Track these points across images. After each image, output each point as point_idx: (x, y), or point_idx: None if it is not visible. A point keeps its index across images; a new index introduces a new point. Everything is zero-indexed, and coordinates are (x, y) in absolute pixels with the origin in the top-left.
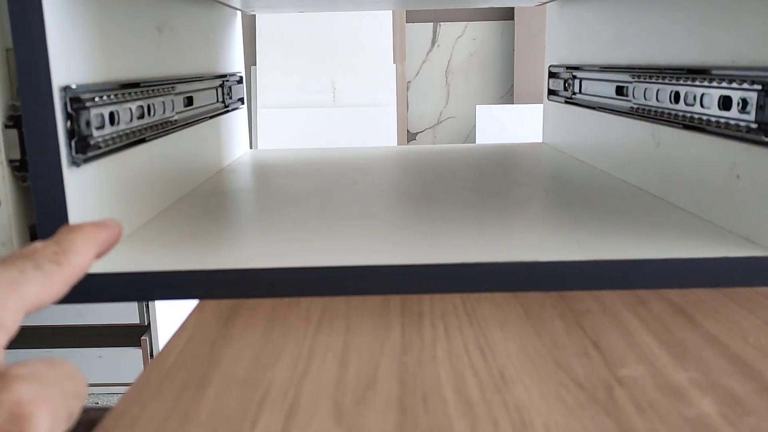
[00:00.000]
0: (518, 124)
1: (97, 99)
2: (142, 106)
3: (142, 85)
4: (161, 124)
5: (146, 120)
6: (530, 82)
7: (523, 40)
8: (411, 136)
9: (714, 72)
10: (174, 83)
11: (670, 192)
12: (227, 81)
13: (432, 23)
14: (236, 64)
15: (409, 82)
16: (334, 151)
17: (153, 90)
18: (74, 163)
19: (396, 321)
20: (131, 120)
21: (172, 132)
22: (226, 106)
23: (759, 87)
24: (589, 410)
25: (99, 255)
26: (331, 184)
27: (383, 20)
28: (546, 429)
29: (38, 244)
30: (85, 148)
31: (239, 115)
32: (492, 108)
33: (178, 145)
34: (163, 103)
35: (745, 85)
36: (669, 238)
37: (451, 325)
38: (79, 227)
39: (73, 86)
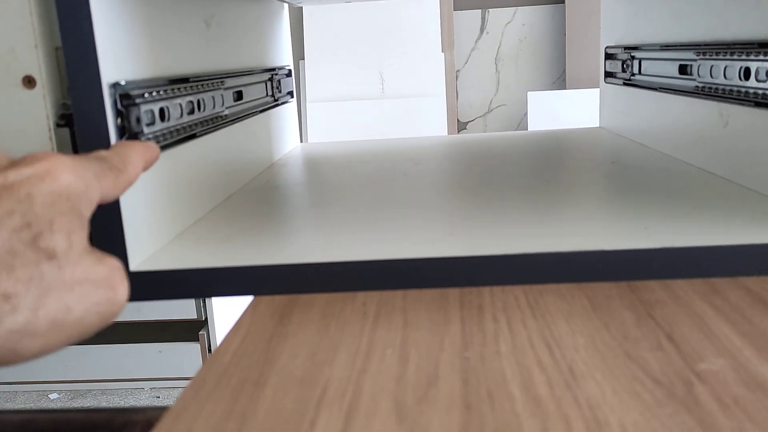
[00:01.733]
0: (571, 110)
1: (146, 95)
2: (191, 102)
3: (191, 80)
4: (211, 119)
5: (196, 115)
6: (583, 67)
7: (575, 23)
8: (461, 126)
9: None
10: (223, 78)
11: (740, 174)
12: (276, 74)
13: (480, 10)
14: (285, 58)
15: (458, 70)
16: (384, 143)
17: (202, 85)
18: None
19: (455, 314)
20: (181, 116)
21: (223, 127)
22: (275, 100)
23: None
24: (667, 407)
25: (144, 170)
26: (381, 175)
27: (430, 8)
28: (622, 428)
29: (104, 153)
30: None
31: (289, 109)
32: (544, 94)
33: (228, 141)
34: (213, 98)
35: None
36: (742, 223)
37: (514, 319)
38: (132, 144)
39: (123, 83)
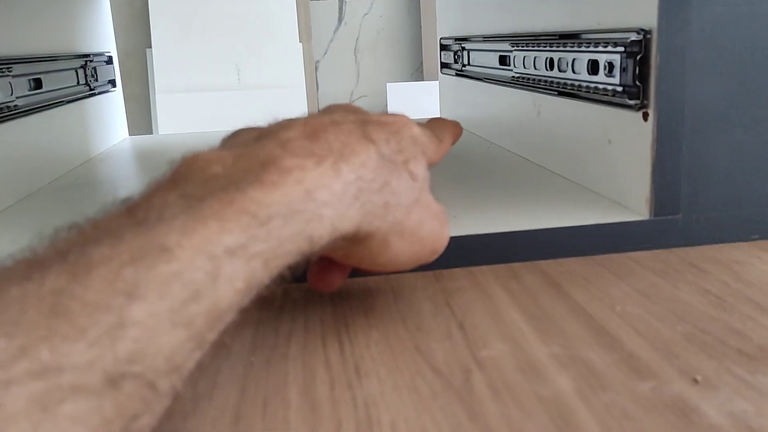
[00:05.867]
0: (429, 100)
1: None
2: None
3: None
4: None
5: None
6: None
7: (430, 15)
8: None
9: (583, 36)
10: (11, 64)
11: (550, 160)
12: (91, 61)
13: (337, 0)
14: (104, 43)
15: (317, 61)
16: (223, 135)
17: None
18: None
19: (252, 316)
20: None
21: (14, 118)
22: (91, 89)
23: (621, 49)
24: (441, 399)
25: (452, 144)
26: None
27: None
28: (393, 426)
29: (426, 124)
30: None
31: (112, 99)
32: (402, 85)
33: (24, 133)
34: None
35: (609, 48)
36: (546, 208)
37: (313, 317)
38: (446, 121)
39: None
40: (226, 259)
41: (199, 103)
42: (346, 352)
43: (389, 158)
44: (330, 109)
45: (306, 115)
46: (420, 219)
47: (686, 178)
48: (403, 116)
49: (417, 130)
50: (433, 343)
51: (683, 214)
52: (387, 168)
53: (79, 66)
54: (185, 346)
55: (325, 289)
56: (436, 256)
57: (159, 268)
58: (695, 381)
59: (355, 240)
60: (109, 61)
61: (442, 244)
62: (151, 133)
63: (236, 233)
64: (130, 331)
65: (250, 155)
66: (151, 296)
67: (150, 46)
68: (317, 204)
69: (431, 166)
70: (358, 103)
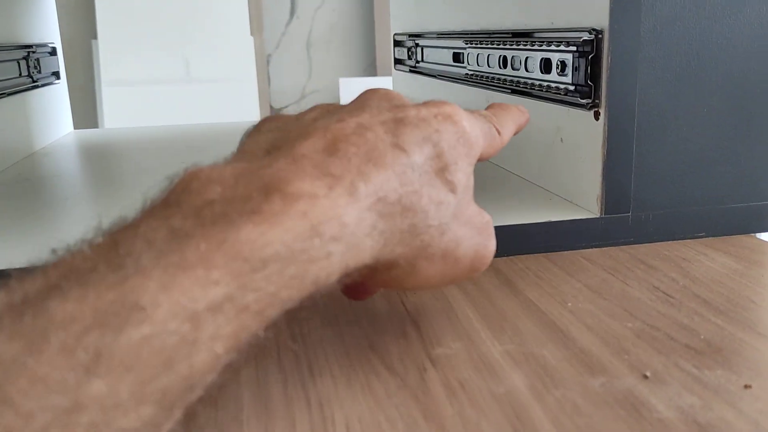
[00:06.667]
0: None
1: None
2: None
3: None
4: None
5: None
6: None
7: (383, 10)
8: (274, 112)
9: (536, 35)
10: None
11: (503, 158)
12: (34, 52)
13: None
14: (47, 34)
15: (269, 55)
16: (174, 129)
17: None
18: None
19: None
20: None
21: None
22: (34, 81)
23: (574, 49)
24: (396, 397)
25: (515, 134)
26: (157, 165)
27: None
28: (347, 425)
29: (485, 113)
30: None
31: (56, 92)
32: (355, 80)
33: None
34: None
35: (562, 47)
36: (498, 206)
37: None
38: (508, 108)
39: None
40: (208, 317)
41: (147, 96)
42: (300, 352)
43: (422, 169)
44: (363, 101)
45: (336, 105)
46: (456, 237)
47: (636, 177)
48: (449, 106)
49: (465, 124)
50: (387, 341)
51: (633, 212)
52: (418, 182)
53: (21, 57)
54: (152, 420)
55: (358, 299)
56: (477, 274)
57: (127, 332)
58: (645, 376)
59: (373, 268)
60: (53, 52)
61: (484, 262)
62: (97, 127)
63: (223, 284)
64: (84, 415)
65: (254, 174)
66: (115, 369)
67: (95, 37)
68: (324, 240)
69: (484, 159)
70: (309, 99)
